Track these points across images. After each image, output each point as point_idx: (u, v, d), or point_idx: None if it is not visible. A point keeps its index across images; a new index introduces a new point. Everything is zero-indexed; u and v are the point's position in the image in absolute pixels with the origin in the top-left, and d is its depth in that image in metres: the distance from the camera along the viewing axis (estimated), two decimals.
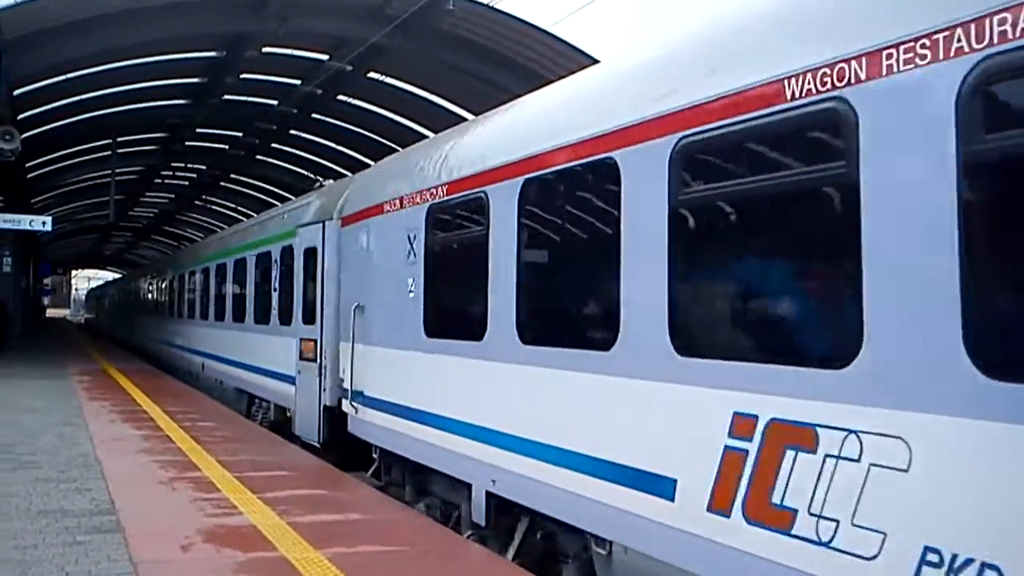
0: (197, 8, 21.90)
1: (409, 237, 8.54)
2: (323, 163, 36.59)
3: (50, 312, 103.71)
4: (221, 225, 47.40)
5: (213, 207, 52.70)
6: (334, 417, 11.00)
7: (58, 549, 6.34)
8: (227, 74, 27.48)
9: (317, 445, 11.39)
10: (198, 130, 35.34)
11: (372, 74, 26.77)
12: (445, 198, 7.95)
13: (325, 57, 25.69)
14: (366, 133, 32.23)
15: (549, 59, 22.38)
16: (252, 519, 7.33)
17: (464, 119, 24.53)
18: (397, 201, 8.99)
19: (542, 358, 6.35)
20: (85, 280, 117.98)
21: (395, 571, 6.15)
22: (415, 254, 8.41)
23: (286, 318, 13.31)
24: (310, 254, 12.03)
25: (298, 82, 28.18)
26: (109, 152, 35.04)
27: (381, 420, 9.25)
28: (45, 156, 34.76)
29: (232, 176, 44.36)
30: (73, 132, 31.94)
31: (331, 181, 14.40)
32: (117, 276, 78.88)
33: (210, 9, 22.23)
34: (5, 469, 9.34)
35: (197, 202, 51.89)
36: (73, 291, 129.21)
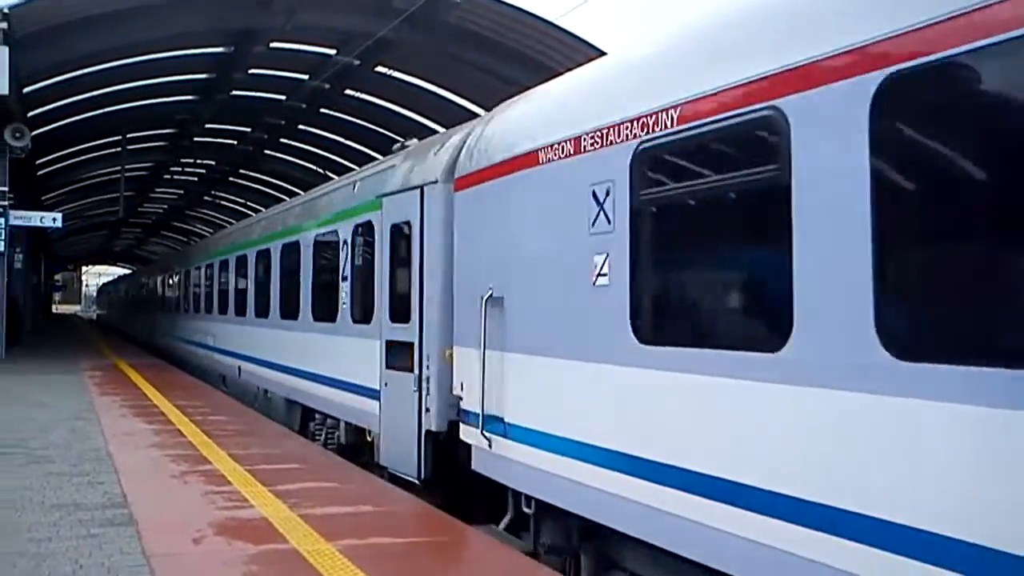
0: (205, 4, 21.96)
1: (595, 196, 5.84)
2: (332, 158, 36.67)
3: (61, 308, 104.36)
4: (230, 221, 47.49)
5: (222, 203, 52.83)
6: (440, 445, 8.46)
7: (72, 542, 6.39)
8: (235, 70, 27.54)
9: (416, 482, 8.61)
10: (207, 126, 35.44)
11: (380, 68, 26.78)
12: (673, 129, 5.19)
13: (333, 52, 25.71)
14: (374, 127, 32.24)
15: (557, 51, 22.35)
16: (263, 512, 7.36)
17: (473, 113, 24.55)
18: (567, 144, 6.25)
19: (956, 387, 3.52)
20: (95, 276, 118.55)
21: (407, 563, 6.17)
22: (609, 220, 5.70)
23: (363, 314, 10.46)
24: (401, 231, 9.30)
25: (306, 77, 28.21)
26: (119, 148, 35.18)
27: (537, 460, 6.45)
28: (55, 153, 34.91)
29: (241, 171, 44.47)
30: (83, 129, 32.07)
31: (415, 140, 11.02)
32: (129, 271, 79.10)
33: (218, 5, 22.29)
34: (19, 463, 9.41)
35: (206, 198, 52.02)
36: (84, 287, 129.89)
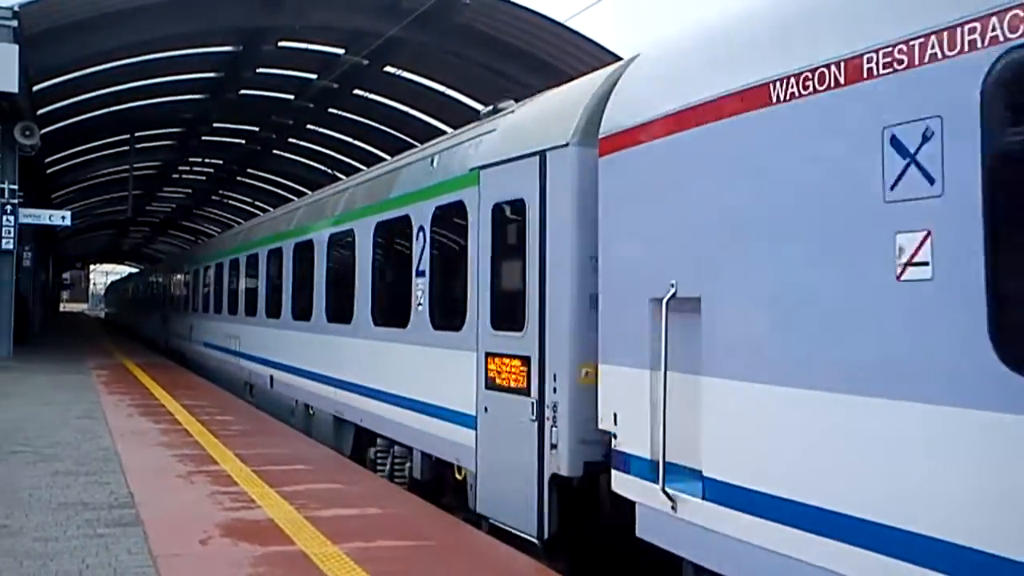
0: (215, 3, 21.99)
1: (897, 143, 3.89)
2: (339, 157, 36.71)
3: (68, 307, 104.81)
4: (238, 220, 47.60)
5: (230, 202, 52.98)
6: (570, 494, 6.56)
7: (79, 542, 6.37)
8: (244, 69, 27.60)
9: (533, 540, 6.67)
10: (215, 125, 35.54)
11: (388, 68, 26.79)
12: None
13: (341, 51, 25.74)
14: (382, 127, 32.28)
15: (566, 53, 22.33)
16: (270, 513, 7.34)
17: (480, 113, 24.50)
18: (830, 70, 4.24)
19: None
20: (103, 275, 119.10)
21: (414, 565, 6.13)
22: (932, 179, 3.73)
23: (449, 318, 8.41)
24: (510, 211, 7.39)
25: (314, 76, 28.25)
26: (127, 147, 35.29)
27: (780, 541, 4.40)
28: (64, 151, 35.03)
29: (249, 171, 44.57)
30: (92, 127, 32.19)
31: (511, 101, 8.71)
32: (137, 270, 79.28)
33: (227, 4, 22.32)
34: (26, 461, 9.40)
35: (214, 197, 52.18)
36: (91, 286, 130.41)
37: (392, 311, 9.92)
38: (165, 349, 30.80)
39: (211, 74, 28.62)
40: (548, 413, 6.56)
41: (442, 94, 28.16)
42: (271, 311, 15.48)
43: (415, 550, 6.48)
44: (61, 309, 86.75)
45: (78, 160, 38.51)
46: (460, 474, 8.06)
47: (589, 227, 6.26)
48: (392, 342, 9.75)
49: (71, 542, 6.35)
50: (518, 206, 7.14)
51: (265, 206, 43.17)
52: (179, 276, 29.29)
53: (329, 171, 35.97)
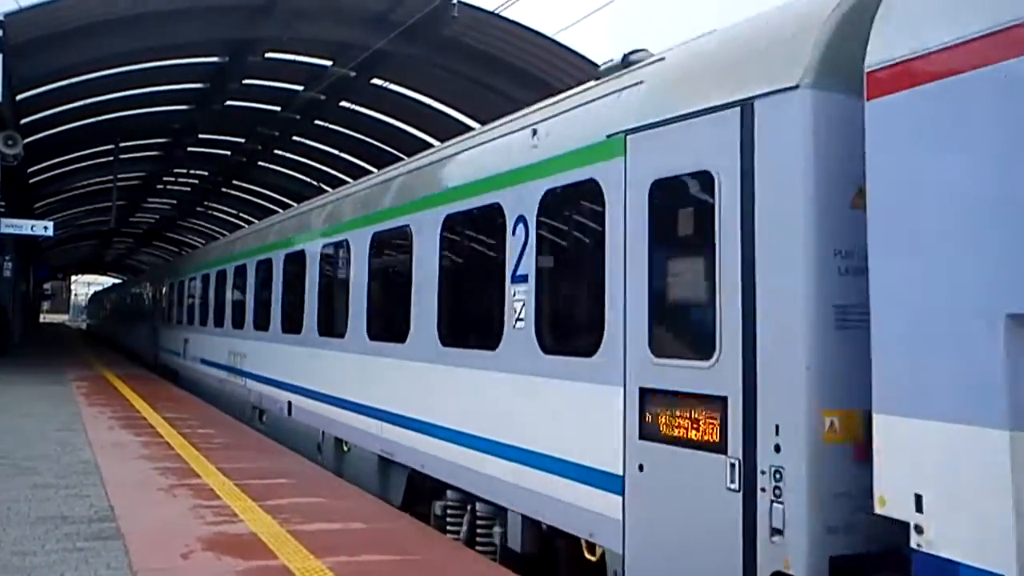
0: (201, 13, 21.93)
1: None
2: (325, 170, 36.64)
3: (49, 317, 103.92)
4: (223, 232, 47.36)
5: (215, 213, 52.74)
6: None
7: (58, 556, 6.28)
8: (230, 79, 27.51)
9: None
10: (200, 136, 35.37)
11: (375, 80, 26.80)
12: None
13: (328, 63, 25.71)
14: (369, 140, 32.25)
15: (553, 66, 22.40)
16: (253, 527, 7.26)
17: (467, 127, 24.58)
18: None
19: None
20: (85, 285, 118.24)
21: None
22: None
23: (571, 339, 6.55)
24: (680, 190, 5.42)
25: (301, 88, 28.21)
26: (111, 157, 35.07)
27: None
28: (48, 161, 34.79)
29: (234, 182, 44.39)
30: (76, 137, 31.98)
31: (644, 51, 6.59)
32: (119, 280, 78.70)
33: (214, 14, 22.26)
34: (5, 475, 9.27)
35: (199, 208, 51.94)
36: (72, 296, 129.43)
37: (470, 328, 8.01)
38: (153, 364, 28.64)
39: (197, 85, 28.52)
40: (763, 482, 4.61)
41: (429, 107, 28.17)
42: (289, 325, 13.18)
43: (400, 564, 6.42)
44: (41, 320, 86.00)
45: (62, 170, 38.25)
46: (594, 554, 5.99)
47: (835, 208, 4.46)
48: (472, 368, 7.63)
49: (50, 556, 6.26)
50: (699, 181, 5.21)
51: (250, 218, 42.97)
52: (172, 285, 26.62)
53: (315, 183, 35.91)
